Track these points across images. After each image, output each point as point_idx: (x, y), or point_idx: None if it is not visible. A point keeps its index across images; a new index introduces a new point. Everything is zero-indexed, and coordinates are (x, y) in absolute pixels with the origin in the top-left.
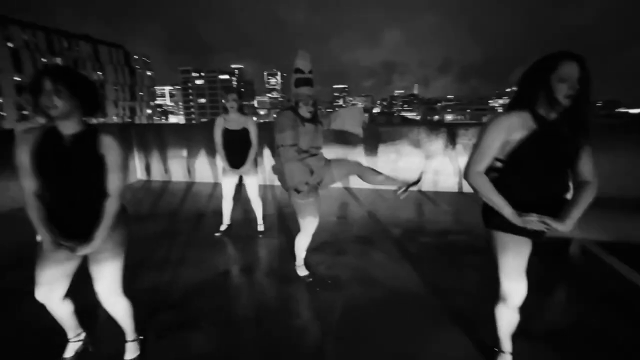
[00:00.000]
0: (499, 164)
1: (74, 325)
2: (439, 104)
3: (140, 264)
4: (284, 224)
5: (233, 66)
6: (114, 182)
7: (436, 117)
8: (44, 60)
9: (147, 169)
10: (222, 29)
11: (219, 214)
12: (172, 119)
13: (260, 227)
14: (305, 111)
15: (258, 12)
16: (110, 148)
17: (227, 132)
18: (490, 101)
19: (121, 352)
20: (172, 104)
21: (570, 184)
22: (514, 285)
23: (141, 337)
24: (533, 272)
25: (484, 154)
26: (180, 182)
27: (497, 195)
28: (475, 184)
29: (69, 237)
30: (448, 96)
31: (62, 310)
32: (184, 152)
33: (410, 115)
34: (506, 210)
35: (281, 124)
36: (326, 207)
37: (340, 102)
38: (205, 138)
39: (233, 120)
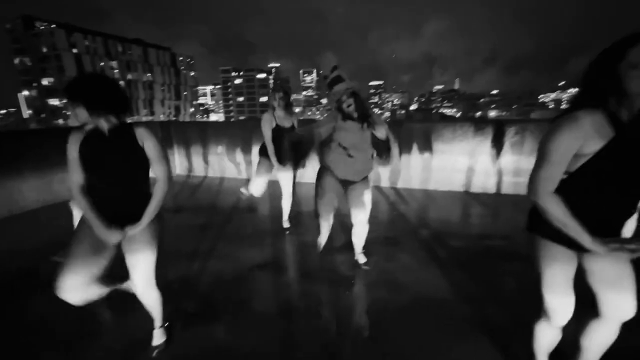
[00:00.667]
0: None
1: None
2: (482, 100)
3: (173, 254)
4: (311, 222)
5: (270, 65)
6: (158, 168)
7: (478, 114)
8: (102, 63)
9: (185, 164)
10: (262, 28)
11: (249, 209)
12: (213, 117)
13: (286, 224)
14: (346, 106)
15: (297, 9)
16: (146, 137)
17: (276, 130)
18: (541, 96)
19: (149, 338)
20: (212, 102)
21: None
22: (559, 302)
23: (167, 324)
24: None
25: (555, 169)
26: (216, 177)
27: (574, 220)
28: (548, 207)
29: (114, 224)
30: (492, 91)
31: (82, 301)
32: (220, 149)
33: (449, 112)
34: (585, 238)
35: (320, 120)
36: None
37: (376, 99)
38: (239, 135)
39: (279, 117)
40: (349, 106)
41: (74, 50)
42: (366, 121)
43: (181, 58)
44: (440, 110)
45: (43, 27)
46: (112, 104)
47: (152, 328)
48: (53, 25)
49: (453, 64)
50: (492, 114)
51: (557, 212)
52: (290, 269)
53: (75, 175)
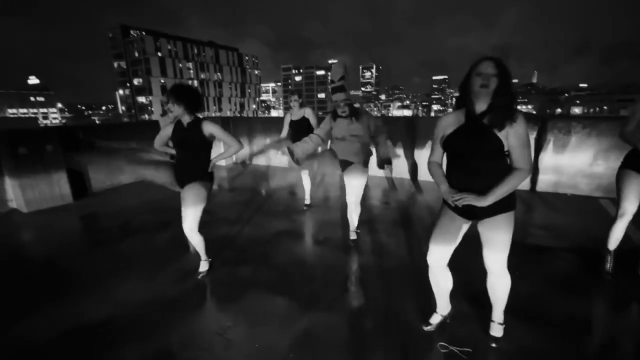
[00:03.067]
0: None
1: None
2: (565, 95)
3: (222, 219)
4: (330, 201)
5: (330, 62)
6: (226, 140)
7: (558, 111)
8: (180, 65)
9: (241, 153)
10: (321, 25)
11: (286, 191)
12: (273, 113)
13: (307, 201)
14: (340, 112)
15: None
16: (211, 128)
17: (291, 123)
18: None
19: (195, 267)
20: (274, 99)
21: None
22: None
23: (210, 260)
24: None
25: (436, 145)
26: (263, 165)
27: (440, 175)
28: (429, 167)
29: (180, 181)
30: (580, 85)
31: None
32: (268, 140)
33: (524, 108)
34: (442, 187)
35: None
36: (374, 192)
37: (439, 94)
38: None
39: (295, 113)
40: (343, 112)
41: (159, 54)
42: (353, 116)
43: (247, 57)
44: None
45: (136, 35)
46: (196, 106)
47: (200, 261)
48: (143, 33)
49: (534, 55)
50: (577, 110)
51: (432, 169)
52: (303, 235)
53: (157, 142)
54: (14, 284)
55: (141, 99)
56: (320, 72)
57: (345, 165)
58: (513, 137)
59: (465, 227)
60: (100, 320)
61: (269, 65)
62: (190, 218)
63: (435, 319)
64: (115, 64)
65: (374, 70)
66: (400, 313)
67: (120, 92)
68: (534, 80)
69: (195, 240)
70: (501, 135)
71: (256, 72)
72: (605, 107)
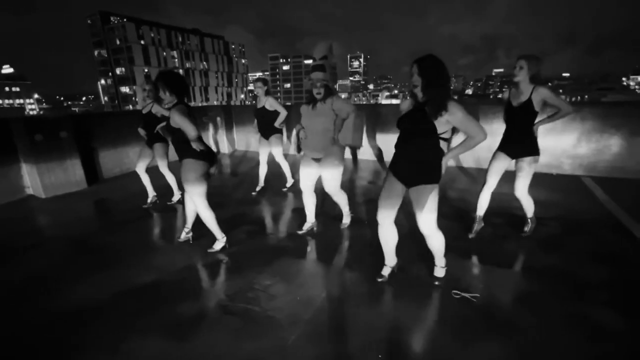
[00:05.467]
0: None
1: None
2: (549, 84)
3: (230, 201)
4: None
5: None
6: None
7: None
8: (164, 53)
9: (244, 141)
10: (310, 13)
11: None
12: None
13: (288, 183)
14: (316, 93)
15: None
16: (173, 115)
17: (255, 112)
18: (624, 79)
19: (212, 242)
20: None
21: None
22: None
23: (225, 237)
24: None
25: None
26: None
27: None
28: None
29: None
30: (564, 74)
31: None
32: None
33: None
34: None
35: None
36: (363, 173)
37: None
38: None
39: (260, 101)
40: (317, 94)
41: (142, 42)
42: (319, 101)
43: (233, 46)
44: (499, 96)
45: (116, 22)
46: (186, 93)
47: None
48: (124, 20)
49: (522, 45)
50: None
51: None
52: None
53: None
54: (60, 260)
55: (124, 89)
56: (309, 62)
57: (314, 161)
58: (454, 121)
59: (403, 190)
60: (148, 283)
61: (256, 55)
62: (196, 199)
63: (386, 271)
64: (96, 53)
65: (362, 60)
66: (413, 270)
67: (102, 82)
68: None
69: (204, 218)
70: (439, 120)
71: (243, 61)
72: (586, 96)
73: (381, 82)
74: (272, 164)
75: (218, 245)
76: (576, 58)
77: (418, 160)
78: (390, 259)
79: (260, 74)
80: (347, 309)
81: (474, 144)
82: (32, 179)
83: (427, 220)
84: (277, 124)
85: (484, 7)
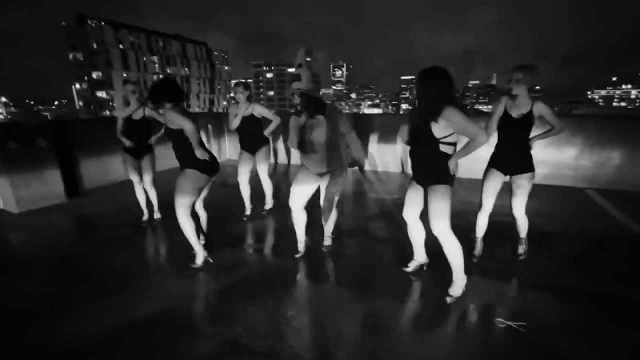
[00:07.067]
0: None
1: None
2: None
3: (226, 215)
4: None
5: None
6: (184, 127)
7: None
8: (144, 58)
9: (236, 149)
10: (294, 21)
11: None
12: None
13: (268, 205)
14: (296, 102)
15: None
16: (170, 116)
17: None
18: (588, 92)
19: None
20: None
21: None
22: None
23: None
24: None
25: None
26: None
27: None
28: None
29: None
30: (536, 87)
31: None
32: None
33: (485, 108)
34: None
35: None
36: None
37: (407, 94)
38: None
39: (242, 108)
40: (296, 104)
41: (120, 46)
42: (309, 115)
43: (216, 53)
44: (475, 107)
45: (93, 25)
46: (175, 97)
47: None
48: (102, 23)
49: (498, 59)
50: None
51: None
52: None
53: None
54: (45, 285)
55: (101, 94)
56: (293, 70)
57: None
58: (452, 126)
59: (422, 191)
60: (159, 314)
61: (239, 62)
62: (177, 203)
63: (413, 265)
64: (71, 56)
65: (344, 69)
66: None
67: (77, 85)
68: (494, 82)
69: (183, 229)
70: (436, 127)
71: (226, 68)
72: (556, 108)
73: (363, 92)
74: (253, 180)
75: (199, 259)
76: (547, 72)
77: (424, 164)
78: (420, 255)
79: (244, 81)
80: (384, 343)
81: (477, 146)
82: (2, 192)
83: (438, 221)
84: (266, 133)
85: (463, 22)
